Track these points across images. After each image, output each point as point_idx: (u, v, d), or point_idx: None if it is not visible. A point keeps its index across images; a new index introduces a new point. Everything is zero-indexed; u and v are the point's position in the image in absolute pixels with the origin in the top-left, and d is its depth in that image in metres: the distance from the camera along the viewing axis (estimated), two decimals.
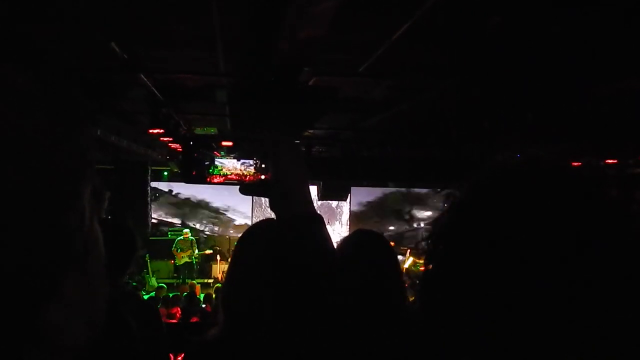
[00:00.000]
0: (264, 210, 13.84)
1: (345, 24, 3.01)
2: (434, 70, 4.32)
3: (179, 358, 5.10)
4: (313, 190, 13.07)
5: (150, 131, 5.59)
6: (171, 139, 6.28)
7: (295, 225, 1.08)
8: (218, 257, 12.91)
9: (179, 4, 2.74)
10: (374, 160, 8.05)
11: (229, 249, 13.48)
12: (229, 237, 13.97)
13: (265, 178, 1.17)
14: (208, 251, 13.06)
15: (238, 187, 1.23)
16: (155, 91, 4.84)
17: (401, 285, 1.78)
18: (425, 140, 6.38)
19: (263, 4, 2.18)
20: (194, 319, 7.16)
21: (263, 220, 1.65)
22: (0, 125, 0.31)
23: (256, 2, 2.21)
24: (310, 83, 4.01)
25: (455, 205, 0.76)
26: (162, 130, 5.61)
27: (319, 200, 12.03)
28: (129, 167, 11.52)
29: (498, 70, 3.94)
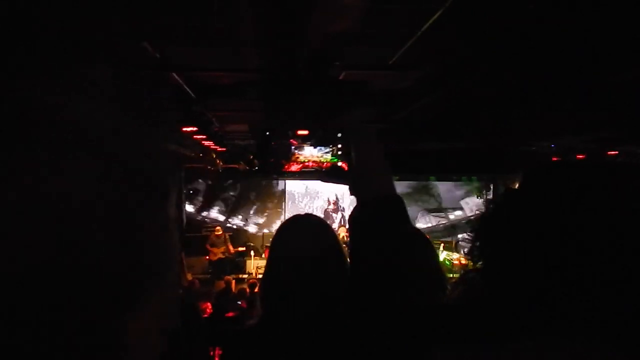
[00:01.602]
0: (297, 204, 13.90)
1: (374, 16, 2.98)
2: (464, 59, 4.25)
3: (217, 351, 5.19)
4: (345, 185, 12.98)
5: (184, 129, 5.68)
6: (205, 136, 6.37)
7: (379, 206, 1.09)
8: (252, 253, 13.04)
9: (209, 3, 2.77)
10: (409, 153, 7.98)
11: (262, 245, 13.61)
12: (262, 234, 14.09)
13: (342, 165, 1.21)
14: (241, 247, 13.20)
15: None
16: (187, 89, 4.92)
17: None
18: (456, 131, 6.29)
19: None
20: (230, 314, 7.24)
21: (300, 214, 1.67)
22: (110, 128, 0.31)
23: None
24: (340, 77, 3.99)
25: (514, 197, 0.77)
26: (195, 128, 5.69)
27: (350, 195, 11.99)
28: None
29: (532, 56, 3.85)
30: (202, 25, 3.14)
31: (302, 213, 1.61)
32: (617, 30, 3.37)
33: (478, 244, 0.84)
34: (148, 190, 0.35)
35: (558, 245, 0.68)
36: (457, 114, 5.93)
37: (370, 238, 1.10)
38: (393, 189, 1.13)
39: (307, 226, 1.53)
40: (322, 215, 8.64)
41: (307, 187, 13.98)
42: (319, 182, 13.66)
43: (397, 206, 1.11)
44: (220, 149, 8.43)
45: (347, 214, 13.78)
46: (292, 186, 14.04)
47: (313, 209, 13.39)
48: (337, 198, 13.79)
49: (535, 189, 0.76)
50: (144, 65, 4.22)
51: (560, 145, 6.89)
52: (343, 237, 6.97)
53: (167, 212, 0.37)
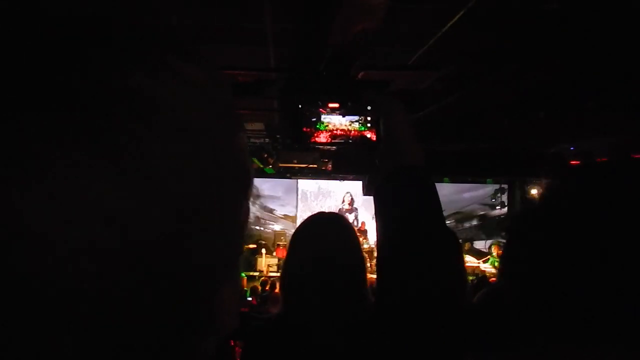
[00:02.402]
0: (310, 204, 13.92)
1: (395, 14, 2.97)
2: (486, 59, 4.22)
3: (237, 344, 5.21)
4: (358, 185, 13.09)
5: None
6: None
7: (406, 175, 1.08)
8: (263, 251, 13.09)
9: (232, 2, 2.77)
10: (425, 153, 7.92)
11: (273, 243, 13.66)
12: (274, 231, 14.13)
13: (370, 136, 1.21)
14: (252, 245, 13.27)
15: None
16: None
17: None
18: (476, 133, 6.25)
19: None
20: (242, 309, 7.31)
21: (323, 212, 1.70)
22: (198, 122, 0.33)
23: None
24: (359, 77, 3.98)
25: (548, 202, 0.77)
26: None
27: (364, 194, 11.98)
28: None
29: (554, 57, 3.81)
30: (224, 23, 3.15)
31: (323, 211, 1.62)
32: None
33: (513, 249, 0.83)
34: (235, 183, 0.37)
35: (602, 252, 0.67)
36: (475, 115, 5.89)
37: (398, 211, 1.07)
38: (422, 159, 1.11)
39: (330, 224, 1.54)
40: None
41: (319, 186, 14.00)
42: (331, 181, 13.71)
43: (426, 177, 1.09)
44: None
45: (360, 214, 13.80)
46: (305, 185, 14.06)
47: (325, 209, 13.42)
48: (352, 198, 13.77)
49: (576, 192, 0.76)
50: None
51: (580, 147, 6.81)
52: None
53: (247, 206, 0.39)
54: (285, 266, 1.60)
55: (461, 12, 3.19)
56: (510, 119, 5.59)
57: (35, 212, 0.26)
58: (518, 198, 11.55)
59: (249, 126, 8.02)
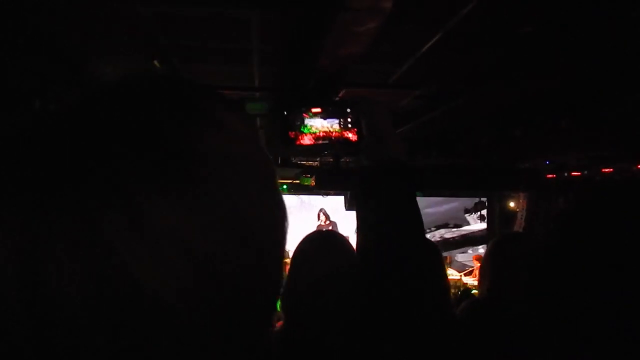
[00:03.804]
0: (293, 218, 13.87)
1: (378, 36, 3.07)
2: (465, 79, 4.35)
3: None
4: (335, 200, 13.19)
5: None
6: None
7: (389, 169, 1.12)
8: None
9: (219, 23, 2.85)
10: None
11: None
12: None
13: (350, 137, 1.27)
14: None
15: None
16: None
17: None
18: (454, 149, 6.39)
19: (307, 22, 2.28)
20: None
21: (322, 230, 1.75)
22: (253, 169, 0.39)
23: (301, 20, 2.31)
24: (341, 95, 4.07)
25: (567, 220, 0.80)
26: None
27: (346, 209, 12.04)
28: None
29: (530, 77, 3.96)
30: (211, 44, 3.22)
31: (321, 230, 1.68)
32: (612, 52, 3.48)
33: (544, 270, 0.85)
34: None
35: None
36: (454, 132, 6.03)
37: (378, 206, 1.10)
38: (404, 154, 1.16)
39: (329, 242, 1.60)
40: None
41: (302, 200, 14.01)
42: (313, 196, 13.74)
43: (407, 171, 1.13)
44: None
45: (339, 229, 13.84)
46: (287, 200, 14.03)
47: (309, 223, 13.42)
48: (326, 214, 13.81)
49: (604, 213, 0.78)
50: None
51: (555, 162, 7.00)
52: None
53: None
54: (286, 286, 1.64)
55: (439, 35, 3.31)
56: (488, 136, 5.74)
57: (137, 254, 0.31)
58: (497, 211, 11.71)
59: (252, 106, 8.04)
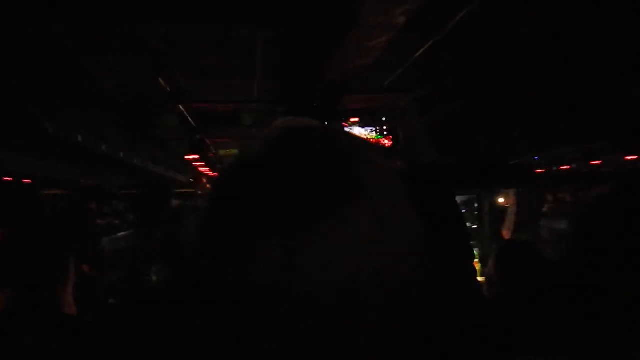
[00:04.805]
0: None
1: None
2: (459, 80, 4.49)
3: None
4: None
5: (187, 157, 5.82)
6: (203, 163, 6.53)
7: (428, 171, 1.20)
8: None
9: (227, 41, 2.95)
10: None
11: None
12: None
13: (385, 143, 1.37)
14: None
15: None
16: (189, 119, 5.07)
17: None
18: (445, 148, 6.54)
19: (318, 38, 2.38)
20: None
21: None
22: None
23: (311, 35, 2.41)
24: (343, 101, 4.19)
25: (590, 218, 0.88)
26: (198, 156, 5.85)
27: None
28: (155, 191, 11.75)
29: (524, 77, 4.10)
30: (218, 61, 3.32)
31: None
32: (598, 52, 3.64)
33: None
34: None
35: None
36: (445, 131, 6.17)
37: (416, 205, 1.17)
38: (436, 156, 1.26)
39: None
40: None
41: None
42: None
43: (441, 171, 1.22)
44: (213, 174, 8.56)
45: None
46: None
47: None
48: None
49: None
50: (156, 99, 4.39)
51: (544, 157, 7.18)
52: None
53: None
54: None
55: (429, 43, 3.43)
56: (478, 135, 5.88)
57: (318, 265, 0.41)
58: (487, 208, 11.85)
59: (226, 153, 8.16)
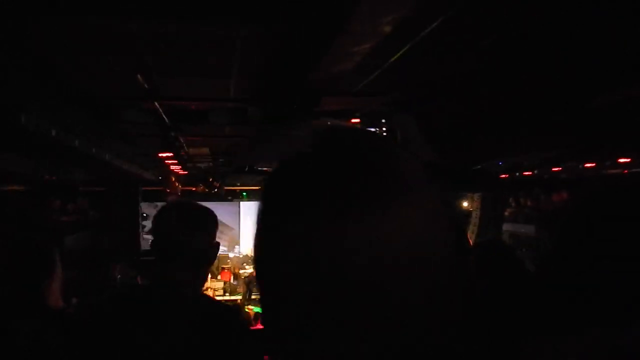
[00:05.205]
0: (252, 225, 13.87)
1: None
2: (429, 87, 4.62)
3: None
4: None
5: (160, 155, 5.77)
6: (175, 161, 6.49)
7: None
8: (209, 276, 12.89)
9: (207, 40, 2.97)
10: None
11: (217, 267, 13.53)
12: (219, 255, 13.95)
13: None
14: None
15: None
16: (164, 116, 5.05)
17: None
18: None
19: (302, 42, 2.44)
20: None
21: None
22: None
23: (294, 39, 2.47)
24: (321, 103, 4.25)
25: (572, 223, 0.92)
26: (171, 154, 5.80)
27: None
28: (120, 187, 11.58)
29: (493, 85, 4.26)
30: (197, 59, 3.34)
31: None
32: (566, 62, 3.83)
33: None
34: None
35: None
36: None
37: None
38: (432, 155, 1.33)
39: None
40: None
41: None
42: None
43: (438, 169, 1.28)
44: (182, 172, 8.50)
45: None
46: (246, 208, 14.10)
47: None
48: None
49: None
50: (131, 95, 4.36)
51: (507, 162, 7.42)
52: None
53: None
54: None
55: (404, 48, 3.54)
56: (446, 141, 6.06)
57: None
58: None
59: (196, 151, 8.11)
